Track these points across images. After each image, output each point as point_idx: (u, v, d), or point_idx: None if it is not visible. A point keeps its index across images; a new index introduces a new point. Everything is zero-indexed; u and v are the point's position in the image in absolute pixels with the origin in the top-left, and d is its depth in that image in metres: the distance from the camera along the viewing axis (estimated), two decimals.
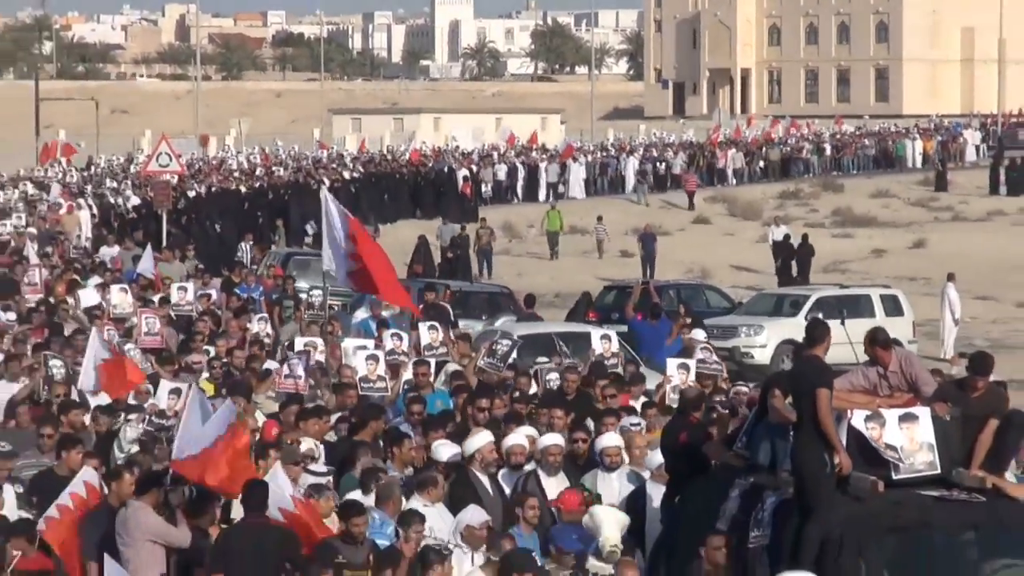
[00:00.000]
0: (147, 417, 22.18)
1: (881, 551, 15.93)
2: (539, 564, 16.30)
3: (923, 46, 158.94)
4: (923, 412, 16.47)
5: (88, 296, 34.14)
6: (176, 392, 22.67)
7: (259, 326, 30.61)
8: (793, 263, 58.23)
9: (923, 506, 16.28)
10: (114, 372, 24.64)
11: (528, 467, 19.88)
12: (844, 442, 16.23)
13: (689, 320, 35.47)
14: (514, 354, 28.03)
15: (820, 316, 41.95)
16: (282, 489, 17.59)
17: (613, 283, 48.70)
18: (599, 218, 69.34)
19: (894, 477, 16.31)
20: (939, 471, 16.45)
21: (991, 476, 16.49)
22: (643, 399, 25.29)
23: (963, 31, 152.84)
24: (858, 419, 16.36)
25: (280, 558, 16.87)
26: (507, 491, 19.51)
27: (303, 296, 35.84)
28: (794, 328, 43.23)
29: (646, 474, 19.44)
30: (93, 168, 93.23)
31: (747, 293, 51.97)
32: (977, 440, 16.64)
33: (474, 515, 17.18)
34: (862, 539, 15.87)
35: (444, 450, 19.85)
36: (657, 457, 19.25)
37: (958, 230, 74.75)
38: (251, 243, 55.66)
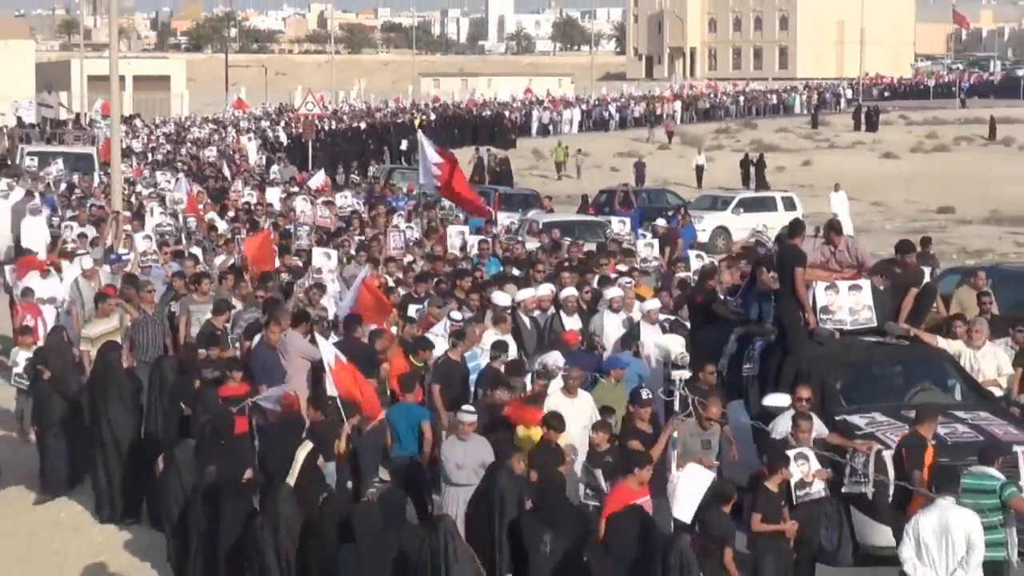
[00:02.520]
0: (310, 274, 21.21)
1: (837, 379, 15.13)
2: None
3: (811, 33, 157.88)
4: (865, 283, 15.71)
5: (274, 200, 32.95)
6: (327, 255, 21.78)
7: (397, 220, 29.35)
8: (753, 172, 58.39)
9: (865, 348, 15.58)
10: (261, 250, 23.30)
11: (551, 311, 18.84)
12: (812, 304, 15.45)
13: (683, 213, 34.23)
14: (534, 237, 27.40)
15: (742, 210, 41.67)
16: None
17: (605, 189, 46.92)
18: (579, 150, 67.31)
19: (845, 328, 15.54)
20: (876, 324, 15.67)
21: (912, 328, 15.79)
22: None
23: (837, 23, 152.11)
24: (820, 288, 15.52)
25: (369, 363, 15.72)
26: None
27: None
28: (724, 218, 41.93)
29: (636, 315, 18.16)
30: (260, 109, 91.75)
31: (693, 194, 50.39)
32: (903, 303, 15.89)
33: (553, 357, 15.85)
34: (824, 371, 15.07)
35: (500, 297, 18.59)
36: (647, 305, 18.06)
37: (833, 154, 73.09)
38: (374, 164, 54.71)
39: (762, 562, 12.20)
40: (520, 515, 10.85)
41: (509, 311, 18.00)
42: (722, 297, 17.42)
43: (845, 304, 15.42)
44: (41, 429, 17.07)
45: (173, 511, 13.24)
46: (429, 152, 28.37)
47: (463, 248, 25.40)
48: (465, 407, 13.79)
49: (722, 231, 40.86)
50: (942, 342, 15.84)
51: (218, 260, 23.26)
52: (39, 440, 17.21)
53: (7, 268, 25.31)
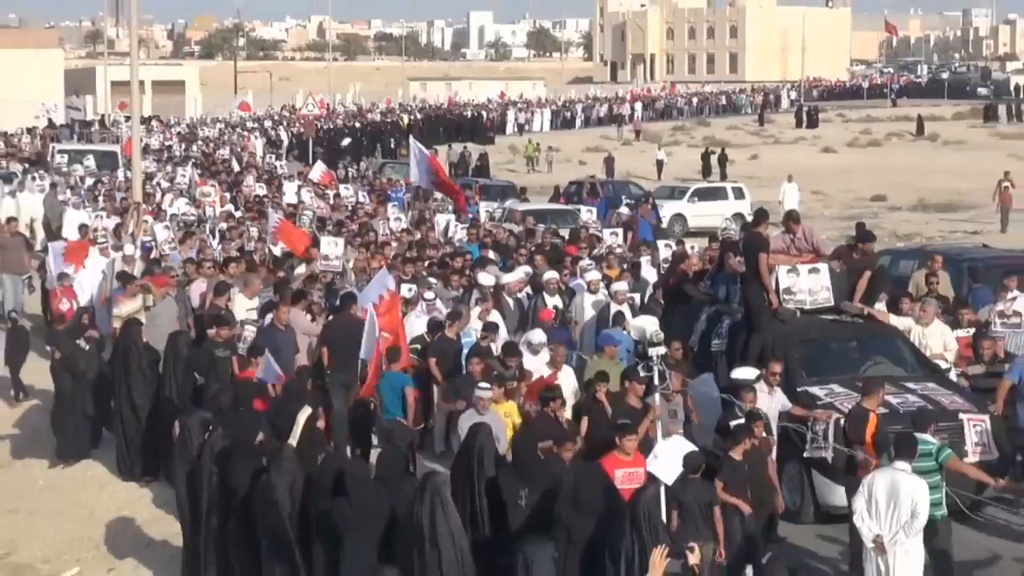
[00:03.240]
0: (318, 260, 20.72)
1: (798, 354, 14.73)
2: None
3: (758, 40, 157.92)
4: (823, 266, 15.43)
5: (290, 194, 32.38)
6: (334, 243, 21.39)
7: (390, 211, 28.84)
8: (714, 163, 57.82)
9: (824, 326, 15.29)
10: (290, 235, 22.86)
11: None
12: (775, 286, 15.14)
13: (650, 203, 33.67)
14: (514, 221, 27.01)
15: (696, 199, 41.13)
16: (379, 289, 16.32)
17: (574, 180, 46.31)
18: (550, 146, 66.63)
19: (805, 308, 15.25)
20: (833, 304, 15.39)
21: (866, 307, 15.49)
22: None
23: (781, 32, 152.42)
24: (783, 271, 15.23)
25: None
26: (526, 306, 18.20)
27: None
28: (680, 206, 41.23)
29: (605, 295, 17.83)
30: (264, 110, 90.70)
31: (654, 185, 49.74)
32: (857, 285, 15.58)
33: (536, 335, 15.48)
34: (786, 347, 14.68)
35: (485, 278, 18.30)
36: (614, 287, 17.70)
37: (778, 149, 72.78)
38: (366, 159, 54.13)
39: (729, 523, 11.88)
40: (498, 472, 10.57)
41: (491, 290, 17.73)
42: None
43: (805, 286, 15.14)
44: (56, 404, 17.15)
45: (184, 471, 13.08)
46: (422, 151, 28.29)
47: (445, 233, 25.01)
48: (482, 384, 13.48)
49: (679, 218, 40.62)
50: (893, 319, 15.55)
51: (232, 245, 22.89)
52: (55, 414, 17.25)
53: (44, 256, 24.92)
